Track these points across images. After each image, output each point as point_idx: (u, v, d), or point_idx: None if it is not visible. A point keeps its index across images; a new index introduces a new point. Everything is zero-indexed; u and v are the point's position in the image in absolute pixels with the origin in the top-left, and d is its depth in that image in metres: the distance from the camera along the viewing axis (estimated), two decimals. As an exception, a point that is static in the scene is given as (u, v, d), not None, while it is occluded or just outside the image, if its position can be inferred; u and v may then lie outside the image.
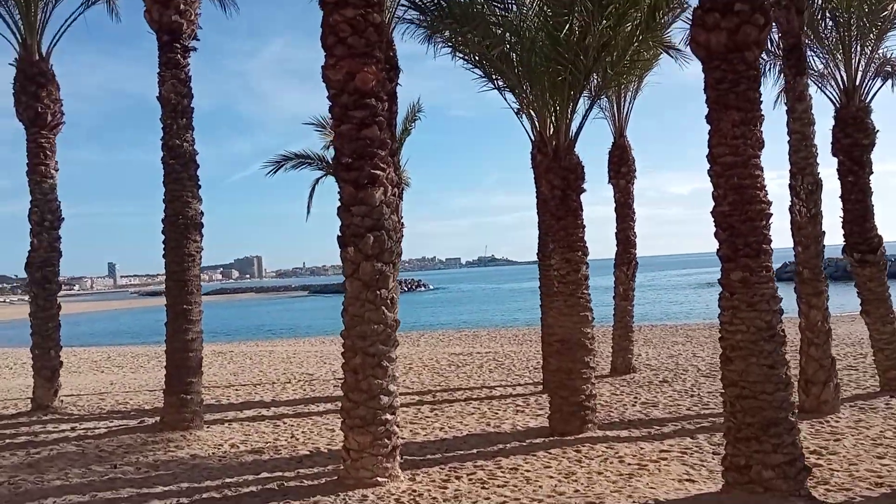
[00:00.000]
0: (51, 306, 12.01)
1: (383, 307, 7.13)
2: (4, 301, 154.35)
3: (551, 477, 7.24)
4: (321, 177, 16.98)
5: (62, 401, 12.16)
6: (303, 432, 9.91)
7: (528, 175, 13.32)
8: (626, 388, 12.55)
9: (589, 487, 6.83)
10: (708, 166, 6.43)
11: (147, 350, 28.22)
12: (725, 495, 6.32)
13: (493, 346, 22.91)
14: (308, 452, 8.74)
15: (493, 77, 13.03)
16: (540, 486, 6.91)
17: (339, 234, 7.29)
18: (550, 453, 8.22)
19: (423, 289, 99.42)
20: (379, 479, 7.02)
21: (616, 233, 14.92)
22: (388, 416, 7.15)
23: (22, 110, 12.01)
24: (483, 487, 6.94)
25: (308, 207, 17.51)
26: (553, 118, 9.57)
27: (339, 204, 7.31)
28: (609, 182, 15.14)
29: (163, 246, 10.11)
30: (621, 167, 14.95)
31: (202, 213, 10.23)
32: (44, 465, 8.40)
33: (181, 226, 10.01)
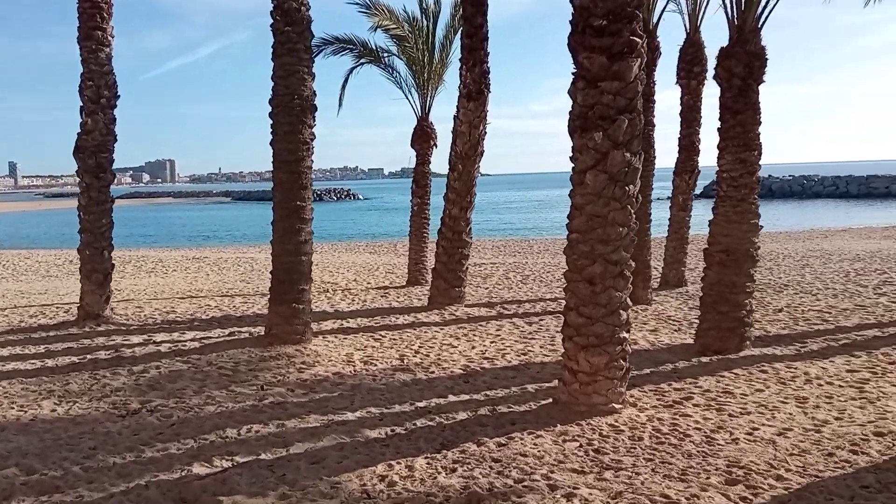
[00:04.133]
0: (105, 200, 10.07)
1: (629, 206, 5.97)
2: None
3: (784, 402, 6.45)
4: (357, 65, 15.09)
5: (113, 309, 10.41)
6: (420, 347, 8.74)
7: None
8: (694, 301, 11.94)
9: (847, 415, 6.07)
10: None
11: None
12: None
13: (494, 258, 22.10)
14: (461, 372, 7.61)
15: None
16: (791, 414, 6.09)
17: (576, 116, 5.99)
18: (736, 374, 7.43)
19: (352, 199, 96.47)
20: (614, 405, 6.06)
21: (679, 138, 13.96)
22: (625, 335, 6.12)
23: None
24: (730, 416, 6.06)
25: (340, 100, 15.65)
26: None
27: (576, 79, 5.99)
28: (677, 83, 14.03)
29: (271, 131, 8.36)
30: (694, 66, 13.79)
31: (315, 93, 8.50)
32: (168, 386, 6.92)
33: (296, 107, 8.25)
